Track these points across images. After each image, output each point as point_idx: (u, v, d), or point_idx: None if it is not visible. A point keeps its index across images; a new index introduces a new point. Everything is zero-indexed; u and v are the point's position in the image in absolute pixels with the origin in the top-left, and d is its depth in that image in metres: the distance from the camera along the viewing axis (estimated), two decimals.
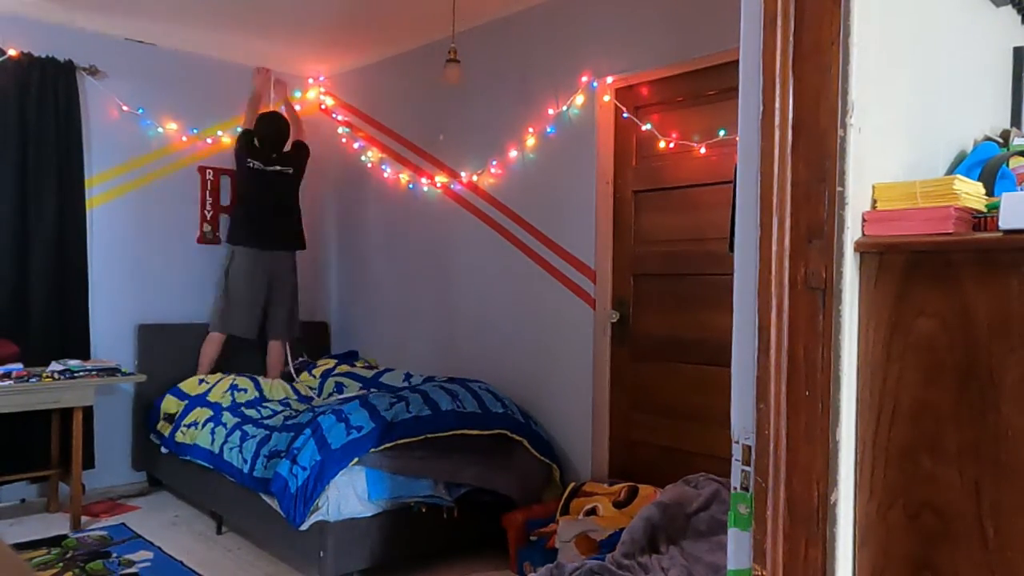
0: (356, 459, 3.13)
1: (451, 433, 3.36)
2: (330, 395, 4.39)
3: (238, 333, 4.65)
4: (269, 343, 4.76)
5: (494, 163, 4.12)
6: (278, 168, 4.69)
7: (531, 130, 3.92)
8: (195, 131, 4.84)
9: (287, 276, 4.75)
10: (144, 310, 4.66)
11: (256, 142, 4.67)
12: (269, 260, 4.65)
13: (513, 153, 4.02)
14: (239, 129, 4.77)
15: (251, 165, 4.63)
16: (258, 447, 3.48)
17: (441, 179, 4.48)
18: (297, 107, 5.19)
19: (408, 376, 4.26)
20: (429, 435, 3.30)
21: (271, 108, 4.96)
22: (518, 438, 3.55)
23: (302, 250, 4.87)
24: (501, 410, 3.60)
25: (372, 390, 4.11)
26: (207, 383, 4.35)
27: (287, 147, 4.80)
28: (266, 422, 3.80)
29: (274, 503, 3.24)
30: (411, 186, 4.71)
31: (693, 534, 2.74)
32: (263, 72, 5.02)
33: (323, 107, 5.36)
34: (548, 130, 3.85)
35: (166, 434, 4.19)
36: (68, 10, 4.16)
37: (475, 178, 4.23)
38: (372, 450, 3.17)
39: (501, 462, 3.47)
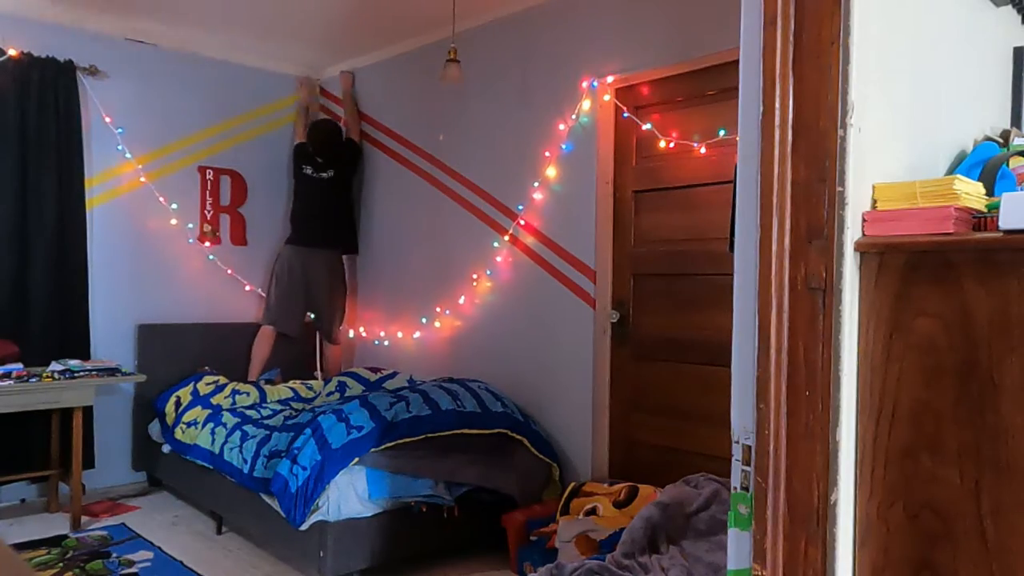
0: (356, 459, 3.13)
1: (451, 433, 3.36)
2: (330, 395, 4.39)
3: (281, 328, 4.83)
4: (326, 345, 5.05)
5: (520, 208, 3.99)
6: (328, 173, 4.88)
7: (547, 154, 3.84)
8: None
9: (327, 275, 4.88)
10: (144, 310, 4.65)
11: (311, 149, 4.88)
12: (308, 256, 4.82)
13: (537, 195, 3.91)
14: (295, 143, 5.05)
15: (305, 171, 4.87)
16: (258, 447, 3.48)
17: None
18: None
19: (412, 381, 4.26)
20: (429, 435, 3.30)
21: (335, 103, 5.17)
22: (518, 437, 3.55)
23: (352, 253, 5.05)
24: (501, 409, 3.60)
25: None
26: (215, 384, 4.36)
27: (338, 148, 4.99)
28: (266, 422, 3.80)
29: (274, 503, 3.24)
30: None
31: (693, 534, 2.74)
32: (307, 82, 5.22)
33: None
34: (565, 148, 3.78)
35: (169, 424, 4.19)
36: (68, 10, 4.16)
37: (522, 223, 3.99)
38: (372, 450, 3.17)
39: (501, 461, 3.47)
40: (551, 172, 3.84)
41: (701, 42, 3.21)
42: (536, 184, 3.90)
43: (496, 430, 3.50)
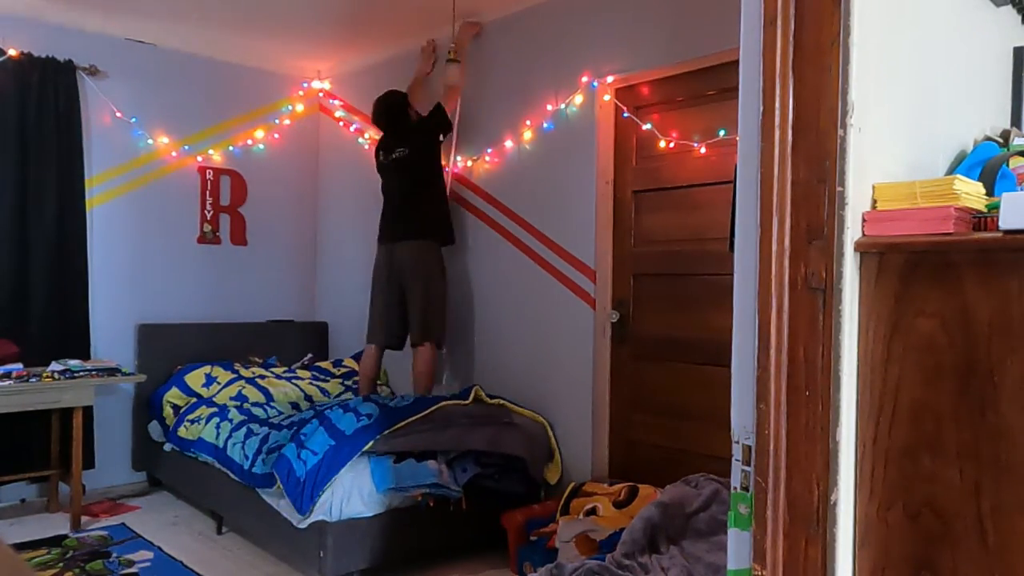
0: (371, 442, 3.17)
1: (450, 403, 3.50)
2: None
3: (376, 341, 4.16)
4: (415, 350, 4.06)
5: (489, 151, 4.14)
6: (397, 153, 4.10)
7: (528, 123, 3.92)
8: (188, 148, 4.83)
9: (415, 269, 4.01)
10: (144, 310, 4.66)
11: (379, 129, 4.26)
12: (393, 253, 4.07)
13: (509, 143, 4.03)
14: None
15: (378, 159, 4.21)
16: (260, 444, 3.50)
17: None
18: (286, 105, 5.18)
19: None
20: (432, 408, 3.41)
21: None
22: (510, 404, 3.69)
23: (436, 241, 4.07)
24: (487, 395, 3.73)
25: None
26: (218, 383, 4.35)
27: (416, 118, 4.17)
28: (271, 421, 3.82)
29: (275, 502, 3.27)
30: None
31: (693, 534, 2.74)
32: (471, 27, 4.13)
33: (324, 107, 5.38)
34: (546, 126, 3.85)
35: (170, 425, 4.19)
36: (68, 10, 4.16)
37: (470, 164, 4.26)
38: (382, 434, 3.23)
39: (503, 427, 3.53)
40: (527, 135, 3.94)
41: (701, 42, 3.21)
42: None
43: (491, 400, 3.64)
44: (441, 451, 3.34)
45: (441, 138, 4.11)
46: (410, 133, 4.10)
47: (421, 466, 3.24)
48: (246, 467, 3.46)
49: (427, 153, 4.07)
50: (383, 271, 4.11)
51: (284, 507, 3.24)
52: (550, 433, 3.70)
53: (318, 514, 3.07)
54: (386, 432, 3.21)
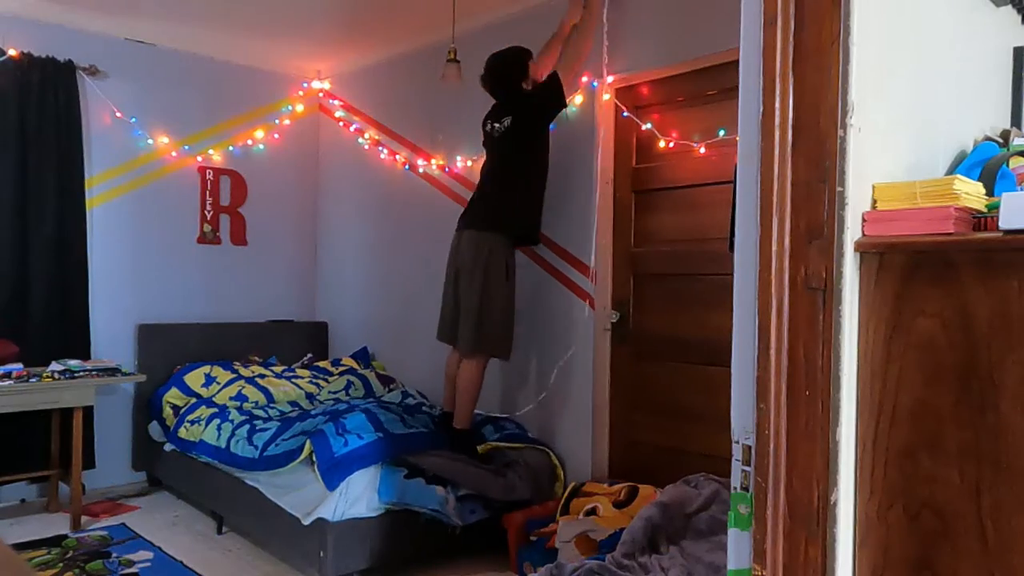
0: (420, 453, 3.28)
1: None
2: (334, 393, 4.40)
3: (442, 339, 3.67)
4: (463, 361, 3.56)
5: None
6: (501, 123, 3.52)
7: None
8: (188, 148, 4.82)
9: (467, 264, 3.46)
10: (144, 310, 4.66)
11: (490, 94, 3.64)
12: (458, 243, 3.56)
13: None
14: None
15: (485, 128, 3.63)
16: (275, 434, 3.52)
17: (437, 162, 4.50)
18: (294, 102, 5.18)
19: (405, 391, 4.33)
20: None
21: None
22: (507, 445, 3.61)
23: (505, 235, 3.48)
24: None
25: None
26: (218, 383, 4.35)
27: (528, 86, 3.54)
28: (273, 421, 3.82)
29: (278, 497, 3.29)
30: (409, 174, 4.71)
31: (693, 534, 2.74)
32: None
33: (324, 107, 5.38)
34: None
35: (171, 425, 4.19)
36: (68, 10, 4.16)
37: (470, 163, 4.26)
38: (424, 450, 3.32)
39: (515, 472, 3.48)
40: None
41: (701, 42, 3.21)
42: None
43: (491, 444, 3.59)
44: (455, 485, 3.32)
45: (553, 118, 3.54)
46: (517, 104, 3.49)
47: (429, 489, 3.22)
48: (256, 456, 3.46)
49: (526, 133, 3.47)
50: (449, 263, 3.60)
51: (288, 503, 3.25)
52: (555, 461, 3.68)
53: (331, 503, 3.07)
54: (429, 450, 3.32)
